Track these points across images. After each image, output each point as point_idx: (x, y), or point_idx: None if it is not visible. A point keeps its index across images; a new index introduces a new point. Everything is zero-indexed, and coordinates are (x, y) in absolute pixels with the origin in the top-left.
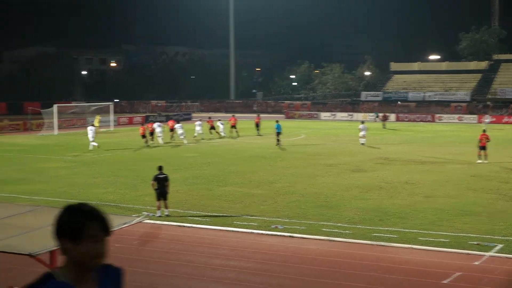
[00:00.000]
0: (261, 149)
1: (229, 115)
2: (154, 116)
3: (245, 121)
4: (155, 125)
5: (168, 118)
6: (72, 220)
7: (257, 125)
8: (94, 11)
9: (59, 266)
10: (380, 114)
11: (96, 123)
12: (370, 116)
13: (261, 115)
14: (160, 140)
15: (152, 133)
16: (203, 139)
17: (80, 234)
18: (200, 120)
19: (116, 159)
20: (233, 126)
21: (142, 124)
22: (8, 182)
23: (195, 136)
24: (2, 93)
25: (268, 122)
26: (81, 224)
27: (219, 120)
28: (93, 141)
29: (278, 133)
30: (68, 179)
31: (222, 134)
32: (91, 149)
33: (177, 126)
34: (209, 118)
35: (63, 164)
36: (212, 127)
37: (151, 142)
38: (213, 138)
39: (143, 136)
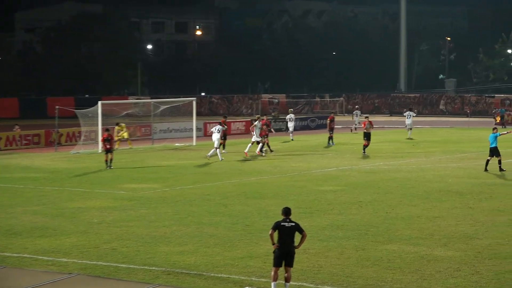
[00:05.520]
0: (455, 179)
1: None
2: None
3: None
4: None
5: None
6: None
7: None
8: None
9: None
10: None
11: (125, 134)
12: None
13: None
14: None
15: None
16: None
17: None
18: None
19: (199, 194)
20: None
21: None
22: (20, 233)
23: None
24: (10, 82)
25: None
26: None
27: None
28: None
29: (493, 150)
30: (119, 228)
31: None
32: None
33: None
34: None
35: (112, 203)
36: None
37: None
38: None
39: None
